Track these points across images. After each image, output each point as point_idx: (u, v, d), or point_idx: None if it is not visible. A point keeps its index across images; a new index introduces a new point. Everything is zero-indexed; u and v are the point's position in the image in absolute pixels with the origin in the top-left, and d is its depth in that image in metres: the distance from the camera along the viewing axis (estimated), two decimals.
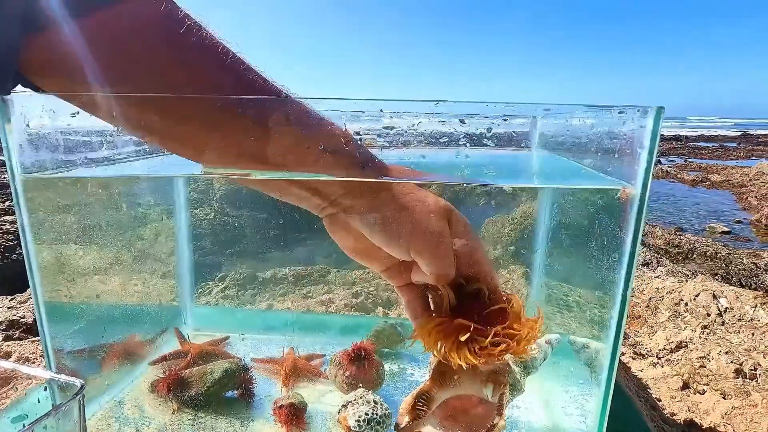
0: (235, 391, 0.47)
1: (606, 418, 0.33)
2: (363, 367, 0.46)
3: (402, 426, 0.41)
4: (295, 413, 0.42)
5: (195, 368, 0.47)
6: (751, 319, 0.90)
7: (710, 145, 8.87)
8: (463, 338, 0.33)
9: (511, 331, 0.35)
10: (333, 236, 0.37)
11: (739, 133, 13.90)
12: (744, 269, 2.08)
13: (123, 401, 0.46)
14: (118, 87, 0.29)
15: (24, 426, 0.25)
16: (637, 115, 0.27)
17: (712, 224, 3.51)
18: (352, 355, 0.47)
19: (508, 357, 0.39)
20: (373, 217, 0.33)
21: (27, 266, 0.38)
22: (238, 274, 0.88)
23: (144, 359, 0.52)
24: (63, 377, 0.29)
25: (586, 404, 0.39)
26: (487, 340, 0.33)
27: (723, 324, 0.90)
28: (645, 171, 0.28)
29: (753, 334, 0.83)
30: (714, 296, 0.97)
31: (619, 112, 0.28)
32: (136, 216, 0.53)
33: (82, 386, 0.28)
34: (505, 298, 0.36)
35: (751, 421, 0.60)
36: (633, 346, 0.88)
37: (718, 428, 0.59)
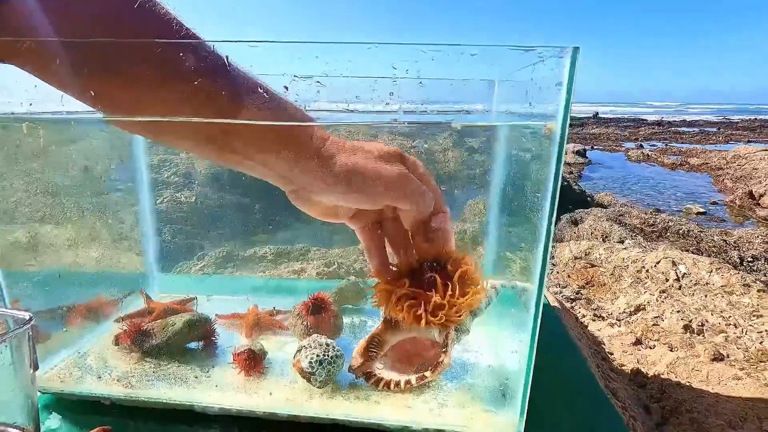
0: (199, 343, 0.49)
1: (534, 348, 0.35)
2: (320, 317, 0.48)
3: (355, 367, 0.44)
4: (253, 359, 0.44)
5: (157, 321, 0.48)
6: (706, 283, 0.94)
7: (691, 129, 9.04)
8: (404, 306, 0.38)
9: (452, 300, 0.38)
10: (299, 207, 0.39)
11: (721, 119, 14.19)
12: (714, 246, 2.16)
13: (86, 353, 0.48)
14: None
15: None
16: (555, 54, 0.29)
17: (688, 205, 3.61)
18: (310, 305, 0.49)
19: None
20: (333, 187, 0.35)
21: None
22: (217, 254, 0.89)
23: (109, 319, 0.53)
24: (11, 311, 0.30)
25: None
26: (430, 307, 0.37)
27: (680, 288, 0.95)
28: (564, 108, 0.30)
29: (706, 296, 0.88)
30: (674, 263, 1.02)
31: (538, 55, 0.30)
32: (92, 178, 0.54)
33: (30, 318, 0.30)
34: (459, 259, 0.39)
35: (692, 369, 0.64)
36: (595, 310, 0.93)
37: (661, 376, 0.63)
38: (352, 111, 0.34)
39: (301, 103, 0.34)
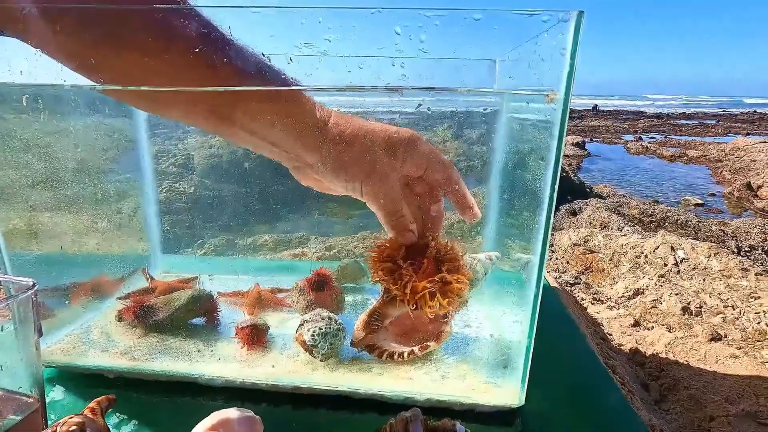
0: (202, 318, 0.49)
1: (536, 318, 0.35)
2: (323, 292, 0.49)
3: (357, 341, 0.44)
4: (256, 333, 0.45)
5: (161, 296, 0.48)
6: (705, 268, 0.95)
7: (691, 122, 9.03)
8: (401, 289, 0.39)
9: (446, 285, 0.39)
10: (302, 183, 0.40)
11: (720, 111, 14.18)
12: (712, 236, 2.17)
13: (90, 329, 0.48)
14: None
15: None
16: (560, 19, 0.29)
17: (687, 197, 3.62)
18: (313, 280, 0.49)
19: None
20: (330, 170, 0.36)
21: None
22: (216, 242, 0.89)
23: (111, 296, 0.53)
24: (15, 277, 0.31)
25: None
26: (419, 292, 0.39)
27: (678, 273, 0.95)
28: (568, 74, 0.30)
29: (704, 280, 0.89)
30: (672, 248, 1.03)
31: (543, 20, 0.30)
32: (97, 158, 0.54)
33: (34, 284, 0.30)
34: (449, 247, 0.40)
35: (690, 348, 0.65)
36: (594, 294, 0.93)
37: (660, 355, 0.64)
38: (354, 88, 0.35)
39: (303, 74, 0.34)
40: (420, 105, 0.36)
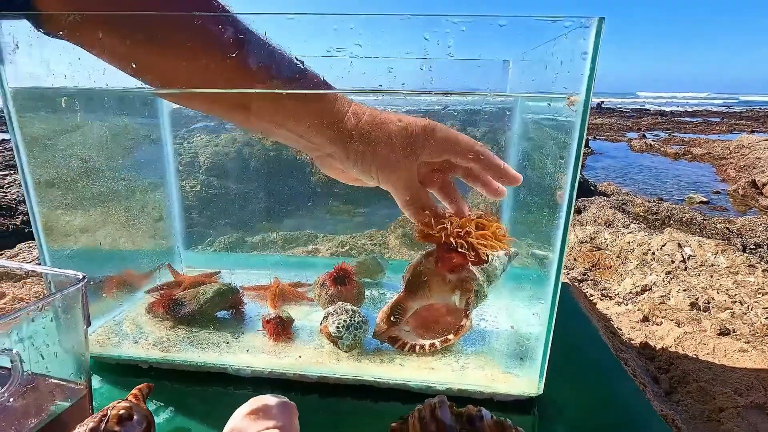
0: (228, 311, 0.51)
1: (555, 310, 0.37)
2: (344, 286, 0.50)
3: (380, 333, 0.46)
4: (282, 325, 0.46)
5: (188, 290, 0.50)
6: (712, 265, 0.96)
7: (694, 119, 8.99)
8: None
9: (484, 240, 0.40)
10: (325, 173, 0.41)
11: (724, 108, 14.11)
12: (717, 233, 2.17)
13: (122, 321, 0.50)
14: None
15: (38, 304, 0.28)
16: (581, 25, 0.31)
17: (691, 194, 3.62)
18: (335, 275, 0.50)
19: (472, 267, 0.44)
20: (347, 160, 0.37)
21: (24, 190, 0.40)
22: (226, 239, 0.91)
23: (140, 290, 0.55)
24: (66, 271, 0.32)
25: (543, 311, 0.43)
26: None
27: (686, 269, 0.97)
28: (588, 78, 0.31)
29: (711, 276, 0.90)
30: (679, 245, 1.04)
31: (565, 25, 0.31)
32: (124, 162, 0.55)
33: (84, 277, 0.32)
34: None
35: (699, 343, 0.66)
36: (602, 290, 0.94)
37: (669, 349, 0.66)
38: (378, 91, 0.36)
39: (335, 76, 0.36)
40: (446, 107, 0.38)
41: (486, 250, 0.39)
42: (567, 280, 0.74)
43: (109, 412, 0.30)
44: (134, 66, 0.34)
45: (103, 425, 0.29)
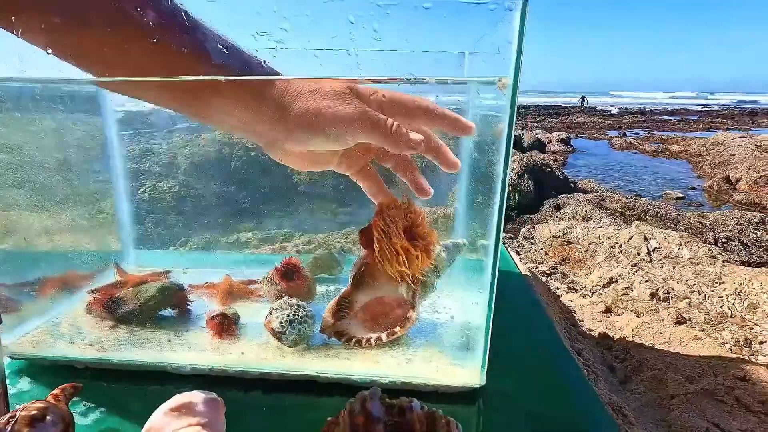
0: (172, 310, 0.49)
1: (493, 299, 0.37)
2: (293, 281, 0.49)
3: (326, 327, 0.45)
4: (226, 323, 0.45)
5: (130, 288, 0.49)
6: (675, 256, 0.98)
7: (673, 118, 9.22)
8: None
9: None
10: (277, 160, 0.39)
11: (702, 107, 14.50)
12: (690, 228, 2.22)
13: (59, 322, 0.48)
14: None
15: None
16: (505, 7, 0.30)
17: (668, 191, 3.70)
18: (282, 269, 0.49)
19: None
20: (295, 134, 0.35)
21: None
22: (198, 240, 0.89)
23: (83, 290, 0.53)
24: None
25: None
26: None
27: (650, 261, 0.98)
28: (516, 60, 0.31)
29: (674, 267, 0.92)
30: (645, 238, 1.05)
31: (489, 8, 0.31)
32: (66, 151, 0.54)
33: None
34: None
35: (656, 332, 0.67)
36: (569, 283, 0.95)
37: (627, 339, 0.66)
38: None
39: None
40: None
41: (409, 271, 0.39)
42: (531, 273, 0.74)
43: (18, 413, 0.29)
44: (53, 49, 0.32)
45: (9, 427, 0.28)
